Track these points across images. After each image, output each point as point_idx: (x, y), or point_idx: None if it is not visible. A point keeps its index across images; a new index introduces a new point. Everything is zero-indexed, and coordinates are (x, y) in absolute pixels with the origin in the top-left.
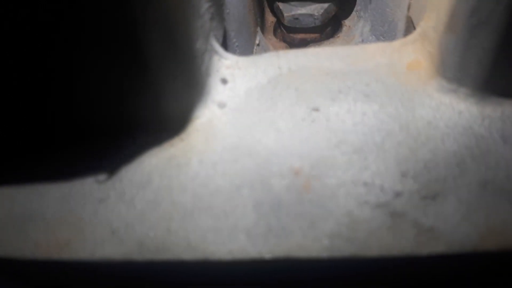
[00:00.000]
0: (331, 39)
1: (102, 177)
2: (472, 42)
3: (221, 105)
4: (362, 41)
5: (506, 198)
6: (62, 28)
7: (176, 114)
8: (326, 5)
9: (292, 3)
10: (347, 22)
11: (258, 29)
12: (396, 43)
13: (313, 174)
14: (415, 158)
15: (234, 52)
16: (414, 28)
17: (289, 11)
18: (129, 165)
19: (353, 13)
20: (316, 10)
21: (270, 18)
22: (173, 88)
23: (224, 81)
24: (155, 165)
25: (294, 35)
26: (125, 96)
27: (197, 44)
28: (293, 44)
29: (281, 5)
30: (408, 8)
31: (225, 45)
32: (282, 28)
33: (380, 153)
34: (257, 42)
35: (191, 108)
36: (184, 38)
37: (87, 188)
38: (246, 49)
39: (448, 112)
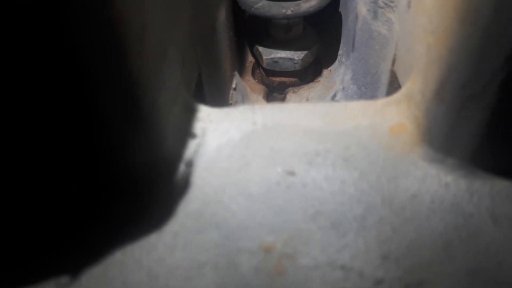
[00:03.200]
0: (311, 84)
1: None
2: (463, 114)
3: (188, 164)
4: (343, 89)
5: None
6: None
7: (134, 176)
8: (306, 50)
9: (273, 46)
10: (328, 67)
11: (236, 72)
12: (379, 103)
13: (286, 252)
14: (398, 237)
15: (208, 96)
16: (399, 84)
17: (269, 54)
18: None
19: (336, 58)
20: (297, 54)
21: (249, 58)
22: (132, 147)
23: (193, 136)
24: (108, 235)
25: (273, 78)
26: (71, 161)
27: (162, 96)
28: (271, 87)
29: (260, 48)
30: (393, 63)
31: (198, 90)
32: (261, 70)
33: (360, 230)
34: (233, 86)
35: (152, 169)
36: (146, 91)
37: None
38: (222, 94)
39: (434, 184)
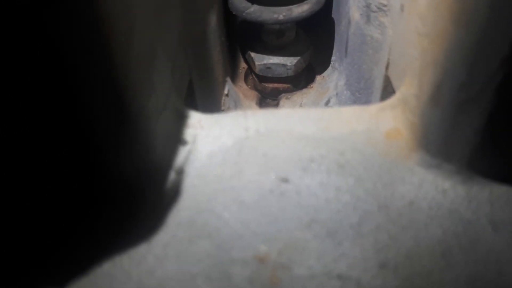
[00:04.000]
0: (304, 90)
1: None
2: (459, 119)
3: (179, 171)
4: (337, 95)
5: None
6: None
7: (122, 184)
8: (299, 56)
9: (265, 52)
10: (321, 73)
11: (228, 78)
12: (374, 108)
13: (280, 262)
14: (395, 245)
15: (200, 103)
16: (393, 89)
17: (261, 60)
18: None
19: (329, 63)
20: (289, 60)
21: (242, 64)
22: (119, 154)
23: (184, 142)
24: (96, 245)
25: (266, 84)
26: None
27: (151, 102)
28: (264, 93)
29: (252, 54)
30: (387, 67)
31: (190, 96)
32: (254, 76)
33: (356, 238)
34: (225, 92)
35: (141, 176)
36: (134, 96)
37: None
38: (214, 100)
39: (431, 190)
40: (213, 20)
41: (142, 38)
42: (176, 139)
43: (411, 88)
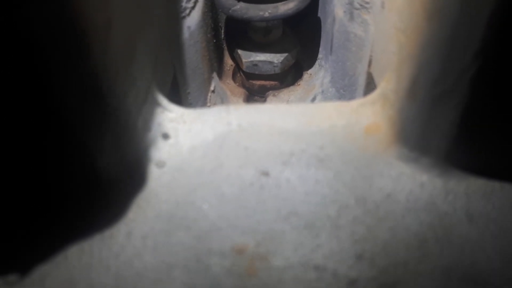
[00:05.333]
0: (291, 87)
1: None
2: (435, 112)
3: (160, 164)
4: (322, 92)
5: None
6: None
7: (102, 177)
8: (286, 53)
9: (252, 49)
10: (308, 70)
11: (214, 74)
12: (354, 103)
13: (258, 252)
14: (372, 237)
15: (185, 100)
16: (375, 86)
17: (248, 57)
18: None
19: (316, 61)
20: (276, 57)
21: (229, 62)
22: (99, 147)
23: (165, 136)
24: (74, 237)
25: (253, 81)
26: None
27: (131, 96)
28: (252, 90)
29: (240, 51)
30: (369, 64)
31: (175, 92)
32: (241, 73)
33: (333, 230)
34: (212, 88)
35: (122, 170)
36: (112, 90)
37: None
38: (199, 96)
39: (409, 183)
40: (198, 16)
41: (121, 31)
42: (158, 133)
43: (390, 83)
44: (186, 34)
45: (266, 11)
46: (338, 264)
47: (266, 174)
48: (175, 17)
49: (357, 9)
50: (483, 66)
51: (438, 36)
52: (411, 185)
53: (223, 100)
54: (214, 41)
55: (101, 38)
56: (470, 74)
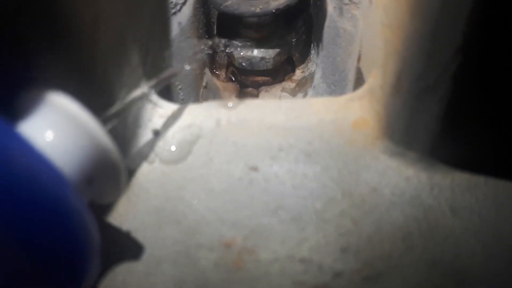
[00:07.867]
0: (284, 83)
1: None
2: (419, 107)
3: (149, 160)
4: (314, 87)
5: (454, 281)
6: None
7: None
8: (278, 49)
9: (245, 45)
10: (301, 66)
11: (206, 70)
12: (342, 99)
13: (246, 246)
14: (357, 230)
15: (177, 96)
16: (364, 80)
17: (240, 53)
18: None
19: (308, 57)
20: (268, 53)
21: (222, 57)
22: None
23: (155, 132)
24: None
25: (245, 77)
26: None
27: (122, 92)
28: (244, 85)
29: (233, 47)
30: (358, 59)
31: (166, 88)
32: (234, 69)
33: (320, 223)
34: (204, 84)
35: None
36: (103, 85)
37: None
38: (191, 92)
39: (395, 177)
40: (189, 12)
41: (109, 27)
42: (147, 128)
43: (377, 78)
44: (177, 30)
45: (257, 6)
46: (323, 256)
47: (255, 169)
48: (166, 13)
49: (346, 4)
50: (465, 62)
51: (421, 31)
52: (397, 179)
53: (215, 96)
54: (206, 37)
55: (89, 34)
56: (453, 69)
